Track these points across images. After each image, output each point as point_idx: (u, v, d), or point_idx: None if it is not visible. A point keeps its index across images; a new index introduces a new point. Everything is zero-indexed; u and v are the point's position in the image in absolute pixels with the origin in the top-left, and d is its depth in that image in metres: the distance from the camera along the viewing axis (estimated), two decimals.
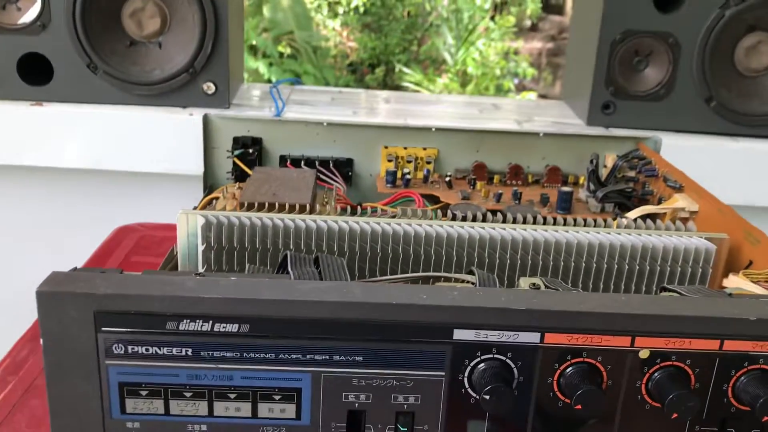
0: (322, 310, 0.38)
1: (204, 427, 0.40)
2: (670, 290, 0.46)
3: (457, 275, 0.48)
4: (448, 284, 0.47)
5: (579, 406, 0.38)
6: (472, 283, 0.45)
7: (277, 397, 0.39)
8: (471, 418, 0.40)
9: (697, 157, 0.92)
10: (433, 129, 0.76)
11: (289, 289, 0.39)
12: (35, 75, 0.91)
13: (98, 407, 0.39)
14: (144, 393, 0.39)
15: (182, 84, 0.92)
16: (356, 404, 0.39)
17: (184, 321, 0.38)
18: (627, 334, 0.38)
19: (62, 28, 0.88)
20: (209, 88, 0.93)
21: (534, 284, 0.43)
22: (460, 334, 0.38)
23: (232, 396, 0.39)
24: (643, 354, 0.39)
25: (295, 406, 0.39)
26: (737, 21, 0.95)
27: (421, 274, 0.49)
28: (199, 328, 0.38)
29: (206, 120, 0.74)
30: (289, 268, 0.44)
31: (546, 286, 0.44)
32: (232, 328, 0.38)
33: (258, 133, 0.74)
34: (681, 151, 0.88)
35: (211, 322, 0.38)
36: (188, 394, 0.39)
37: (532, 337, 0.38)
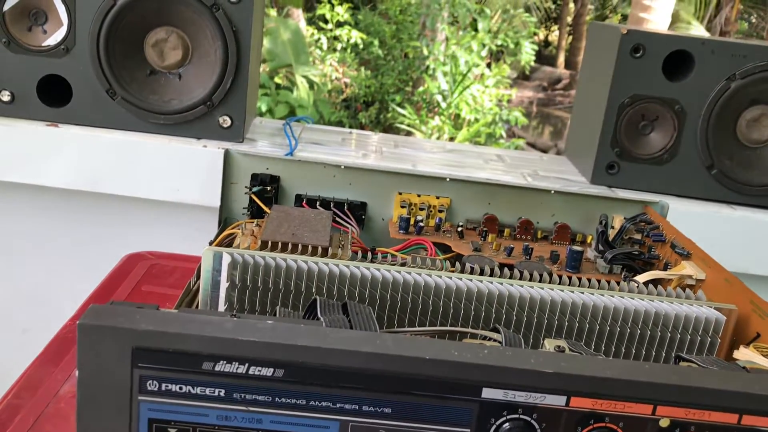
0: (355, 359, 0.38)
1: None
2: (686, 359, 0.47)
3: (483, 332, 0.49)
4: (476, 341, 0.48)
5: None
6: (498, 341, 0.46)
7: None
8: None
9: (699, 222, 0.95)
10: (448, 179, 0.77)
11: (324, 337, 0.39)
12: (54, 96, 0.92)
13: None
14: (173, 431, 0.39)
15: (199, 116, 0.93)
16: None
17: (221, 362, 0.38)
18: (649, 402, 0.39)
19: (85, 52, 0.90)
20: (225, 121, 0.94)
21: (559, 347, 0.44)
22: (488, 393, 0.39)
23: None
24: (664, 423, 0.40)
25: None
26: (742, 93, 0.98)
27: (448, 328, 0.50)
28: (234, 370, 0.38)
29: (227, 155, 0.75)
30: (319, 314, 0.45)
31: (570, 350, 0.45)
32: (267, 372, 0.38)
33: (276, 171, 0.75)
34: (686, 216, 0.91)
35: (247, 364, 0.38)
36: None
37: (559, 400, 0.39)
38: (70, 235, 0.98)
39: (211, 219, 0.81)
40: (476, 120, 5.05)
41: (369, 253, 0.66)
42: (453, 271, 0.59)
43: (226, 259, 0.53)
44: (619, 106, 0.99)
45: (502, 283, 0.56)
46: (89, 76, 0.91)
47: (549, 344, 0.45)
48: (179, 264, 0.78)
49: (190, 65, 0.94)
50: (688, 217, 0.95)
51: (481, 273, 0.58)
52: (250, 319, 0.41)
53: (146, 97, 0.93)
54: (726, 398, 0.40)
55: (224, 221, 0.76)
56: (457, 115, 5.14)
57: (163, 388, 0.38)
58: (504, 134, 5.25)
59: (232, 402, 0.39)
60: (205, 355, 0.38)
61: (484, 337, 0.48)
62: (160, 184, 0.90)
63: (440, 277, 0.55)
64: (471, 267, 0.60)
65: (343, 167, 0.76)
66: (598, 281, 0.60)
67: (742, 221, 0.97)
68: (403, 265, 0.58)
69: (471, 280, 0.56)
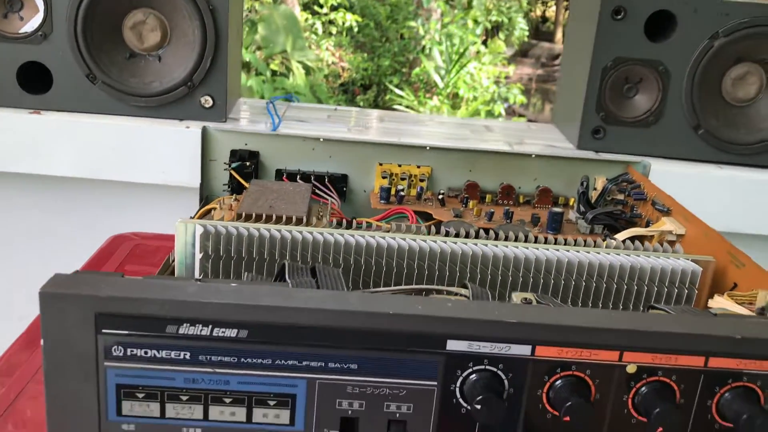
0: (319, 317, 0.39)
1: (199, 431, 0.40)
2: (657, 309, 0.47)
3: (451, 288, 0.49)
4: (442, 296, 0.48)
5: (567, 418, 0.39)
6: (466, 297, 0.46)
7: (271, 403, 0.40)
8: (462, 428, 0.41)
9: (684, 182, 0.94)
10: (428, 148, 0.77)
11: (288, 296, 0.39)
12: (35, 84, 0.92)
13: (95, 409, 0.39)
14: (140, 395, 0.39)
15: (180, 97, 0.93)
16: (349, 411, 0.40)
17: (184, 325, 0.38)
18: (615, 348, 0.39)
19: (63, 38, 0.90)
20: (207, 101, 0.94)
21: (526, 299, 0.44)
22: (453, 345, 0.39)
23: (228, 400, 0.40)
24: (631, 369, 0.40)
25: (289, 412, 0.40)
26: (725, 52, 0.97)
27: (416, 286, 0.50)
28: (198, 333, 0.38)
29: (205, 132, 0.75)
30: (287, 277, 0.45)
31: (537, 302, 0.45)
32: (231, 333, 0.38)
33: (255, 147, 0.75)
34: (669, 176, 0.90)
35: (210, 326, 0.38)
36: (184, 398, 0.39)
37: (524, 350, 0.39)
38: (57, 221, 0.98)
39: (197, 199, 0.81)
40: (474, 98, 5.02)
41: (350, 223, 0.66)
42: (436, 236, 0.58)
43: (198, 230, 0.53)
44: (603, 69, 0.99)
45: (477, 244, 0.56)
46: (68, 62, 0.91)
47: (516, 297, 0.45)
48: (163, 243, 0.78)
49: (169, 46, 0.94)
50: (674, 177, 0.94)
51: (458, 235, 0.58)
52: (214, 282, 0.41)
53: (126, 80, 0.93)
54: (691, 342, 0.40)
55: (205, 199, 0.76)
56: (456, 95, 5.12)
57: (129, 353, 0.39)
58: (503, 112, 5.23)
59: (198, 364, 0.39)
60: (168, 319, 0.38)
61: (454, 294, 0.48)
62: (144, 167, 0.90)
63: (414, 240, 0.55)
64: (446, 231, 0.60)
65: (322, 140, 0.76)
66: (575, 240, 0.60)
67: (729, 180, 0.97)
68: (386, 233, 0.58)
69: (445, 243, 0.56)
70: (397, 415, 0.40)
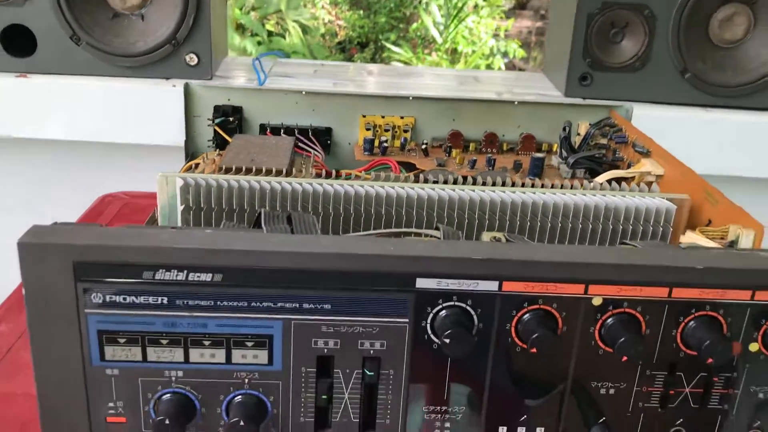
0: (292, 260, 0.40)
1: (180, 373, 0.42)
2: (627, 245, 0.48)
3: (424, 230, 0.50)
4: (412, 238, 0.49)
5: (534, 350, 0.40)
6: (437, 238, 0.47)
7: (249, 344, 0.41)
8: (434, 363, 0.42)
9: (670, 126, 0.95)
10: (410, 98, 0.78)
11: (261, 240, 0.41)
12: (19, 47, 0.92)
13: (78, 355, 0.41)
14: (122, 341, 0.41)
15: (165, 55, 0.93)
16: (325, 350, 0.42)
17: (160, 271, 0.39)
18: (581, 282, 0.41)
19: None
20: (192, 59, 0.94)
21: (495, 237, 0.45)
22: (422, 283, 0.40)
23: (207, 343, 0.41)
24: (596, 301, 0.41)
25: (267, 352, 0.41)
26: None
27: (388, 230, 0.51)
28: (174, 278, 0.39)
29: (187, 89, 0.75)
30: (263, 224, 0.46)
31: (507, 240, 0.46)
32: (206, 277, 0.40)
33: (238, 102, 0.76)
34: (656, 121, 0.91)
35: (185, 271, 0.39)
36: (164, 342, 0.41)
37: (491, 286, 0.40)
38: (46, 184, 0.99)
39: (184, 157, 0.81)
40: (473, 52, 4.98)
41: (330, 174, 0.67)
42: (408, 181, 0.59)
43: (179, 183, 0.54)
44: (588, 15, 0.98)
45: (454, 190, 0.57)
46: (52, 24, 0.91)
47: (486, 236, 0.46)
48: (152, 202, 0.78)
49: (152, 5, 0.93)
50: (660, 122, 0.94)
51: (437, 182, 0.59)
52: (189, 230, 0.42)
53: (111, 40, 0.93)
54: (655, 273, 0.41)
55: (191, 155, 0.77)
56: (455, 50, 5.07)
57: (107, 299, 0.40)
58: (503, 67, 5.19)
59: (176, 309, 0.40)
60: (144, 265, 0.39)
61: (427, 236, 0.49)
62: (131, 127, 0.91)
63: (393, 188, 0.56)
64: (426, 178, 0.60)
65: (305, 93, 0.77)
66: (553, 184, 0.60)
67: (716, 123, 0.97)
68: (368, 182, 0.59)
69: (423, 189, 0.56)
70: (371, 352, 0.42)
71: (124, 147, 0.95)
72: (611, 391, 0.43)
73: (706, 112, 0.98)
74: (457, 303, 0.41)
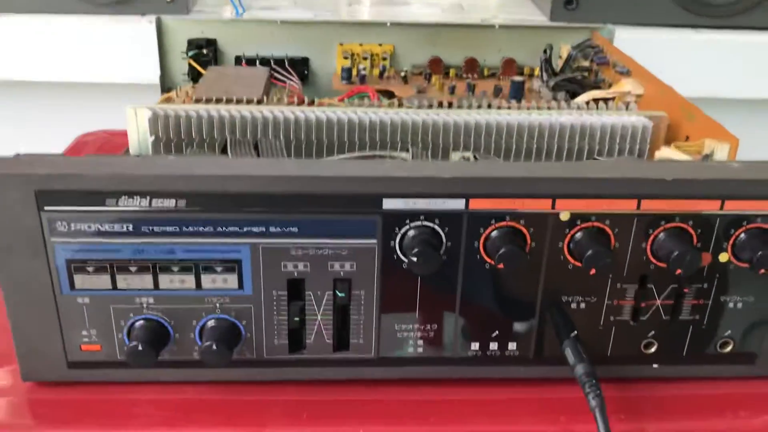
0: (255, 183, 0.39)
1: (151, 300, 0.42)
2: (596, 160, 0.47)
3: (393, 153, 0.49)
4: (379, 159, 0.49)
5: (501, 265, 0.40)
6: (406, 159, 0.46)
7: (218, 269, 0.41)
8: (404, 282, 0.42)
9: (656, 49, 0.93)
10: (388, 24, 0.76)
11: (224, 165, 0.40)
12: None
13: (49, 284, 0.41)
14: (91, 269, 0.41)
15: None
16: (295, 273, 0.42)
17: (123, 198, 0.39)
18: (547, 197, 0.40)
19: None
20: None
21: (464, 157, 0.45)
22: (389, 203, 0.40)
23: (176, 269, 0.41)
24: (564, 216, 0.41)
25: (236, 277, 0.41)
26: None
27: (357, 153, 0.51)
28: (137, 205, 0.39)
29: (159, 23, 0.73)
30: (229, 151, 0.45)
31: (477, 159, 0.46)
32: (170, 203, 0.39)
33: (212, 35, 0.74)
34: (639, 42, 0.88)
35: (148, 198, 0.39)
36: (133, 269, 0.41)
37: (458, 204, 0.40)
38: (24, 127, 0.98)
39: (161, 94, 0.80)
40: None
41: (305, 103, 0.66)
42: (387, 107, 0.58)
43: (147, 114, 0.53)
44: None
45: (428, 114, 0.56)
46: None
47: (455, 156, 0.45)
48: None
49: None
50: (648, 44, 0.93)
51: (410, 107, 0.58)
52: (152, 157, 0.42)
53: None
54: (623, 186, 0.40)
55: (167, 91, 0.76)
56: None
57: (72, 228, 0.40)
58: None
59: (141, 235, 0.40)
60: (107, 193, 0.39)
61: (396, 158, 0.48)
62: (108, 66, 0.89)
63: (366, 113, 0.55)
64: (403, 103, 0.60)
65: (280, 23, 0.75)
66: (529, 106, 0.60)
67: (706, 44, 0.95)
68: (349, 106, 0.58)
69: (397, 114, 0.56)
70: (341, 273, 0.42)
71: (103, 87, 0.93)
72: (582, 306, 0.44)
73: (696, 33, 0.96)
74: (424, 222, 0.41)
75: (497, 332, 0.44)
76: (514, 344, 0.45)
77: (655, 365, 0.46)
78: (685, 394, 0.46)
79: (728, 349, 0.45)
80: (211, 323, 0.43)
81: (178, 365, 0.44)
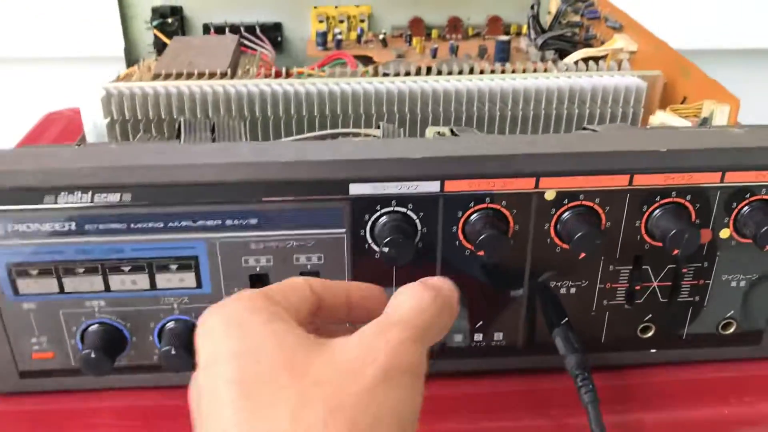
0: (207, 173, 0.36)
1: (103, 303, 0.38)
2: (586, 130, 0.43)
3: (362, 130, 0.45)
4: (344, 139, 0.45)
5: (482, 252, 0.36)
6: (376, 137, 0.42)
7: (173, 267, 0.38)
8: (379, 273, 0.39)
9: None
10: None
11: (172, 153, 0.36)
12: None
13: None
14: (34, 272, 0.37)
15: None
16: (257, 268, 0.38)
17: (62, 194, 0.35)
18: (530, 175, 0.37)
19: None
20: None
21: (439, 132, 0.41)
22: (356, 189, 0.36)
23: (126, 269, 0.38)
24: (549, 195, 0.37)
25: (194, 275, 0.38)
26: None
27: (322, 132, 0.47)
28: (79, 200, 0.36)
29: None
30: (182, 134, 0.42)
31: (454, 134, 0.42)
32: (114, 198, 0.36)
33: (178, 2, 0.70)
34: None
35: (90, 192, 0.35)
36: (80, 270, 0.37)
37: (432, 186, 0.37)
38: None
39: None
40: None
41: (278, 74, 0.62)
42: (363, 76, 0.54)
43: (100, 94, 0.49)
44: None
45: (405, 82, 0.52)
46: None
47: (429, 132, 0.41)
48: None
49: None
50: None
51: (387, 75, 0.54)
52: (94, 146, 0.38)
53: None
54: (612, 160, 0.37)
55: (133, 64, 0.71)
56: None
57: (11, 229, 0.36)
58: None
59: (86, 234, 0.36)
60: (45, 189, 0.35)
61: (364, 136, 0.44)
62: (71, 40, 0.85)
63: (338, 84, 0.51)
64: (380, 71, 0.55)
65: None
66: (513, 69, 0.56)
67: None
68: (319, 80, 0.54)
69: (371, 83, 0.51)
70: (309, 266, 0.38)
71: (69, 62, 0.89)
72: (572, 290, 0.40)
73: None
74: (396, 208, 0.37)
75: (482, 322, 0.41)
76: (501, 334, 0.41)
77: (652, 350, 0.43)
78: (685, 379, 0.43)
79: (731, 330, 0.42)
80: (170, 325, 0.39)
81: (138, 370, 0.41)
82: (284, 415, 0.23)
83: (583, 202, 0.37)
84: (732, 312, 0.42)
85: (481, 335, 0.41)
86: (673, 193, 0.38)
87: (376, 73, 0.56)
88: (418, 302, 0.27)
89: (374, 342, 0.25)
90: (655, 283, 0.40)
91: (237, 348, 0.25)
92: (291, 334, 0.25)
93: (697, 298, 0.41)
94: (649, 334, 0.42)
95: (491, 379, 0.42)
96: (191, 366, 0.38)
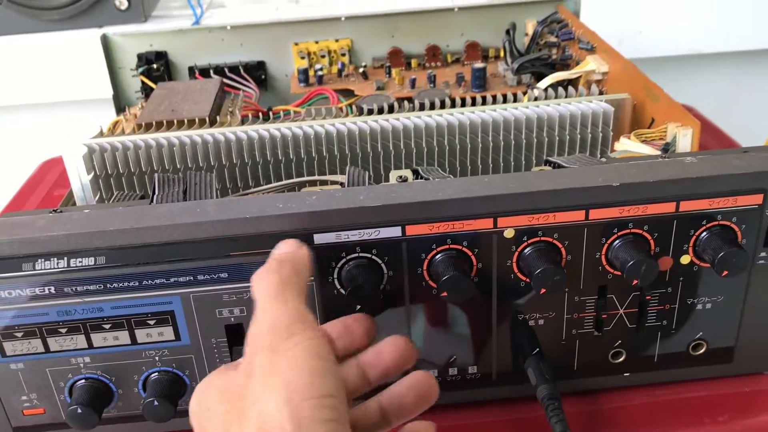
0: (174, 233, 0.37)
1: (87, 359, 0.40)
2: (551, 162, 0.44)
3: (329, 177, 0.47)
4: (311, 189, 0.46)
5: (445, 293, 0.38)
6: (342, 184, 0.44)
7: (151, 322, 0.39)
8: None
9: (623, 11, 0.89)
10: (343, 18, 0.73)
11: (141, 216, 0.38)
12: None
13: None
14: (19, 335, 0.39)
15: (92, 3, 0.88)
16: (232, 318, 0.40)
17: (39, 261, 0.37)
18: (488, 216, 0.38)
19: None
20: (121, 3, 0.89)
21: (401, 177, 0.42)
22: (321, 238, 0.38)
23: (107, 326, 0.39)
24: (508, 233, 0.38)
25: (171, 329, 0.40)
26: None
27: (290, 181, 0.48)
28: (56, 266, 0.37)
29: (105, 40, 0.71)
30: (155, 191, 0.43)
31: (421, 176, 0.43)
32: (89, 261, 0.37)
33: (161, 47, 0.72)
34: (603, 8, 0.85)
35: (66, 258, 0.37)
36: (63, 330, 0.39)
37: (394, 232, 0.38)
38: None
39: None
40: None
41: (266, 114, 0.63)
42: (351, 117, 0.56)
43: (81, 151, 0.51)
44: None
45: (376, 121, 0.53)
46: None
47: (393, 176, 0.43)
48: None
49: None
50: (607, 8, 0.88)
51: (372, 112, 0.56)
52: (69, 211, 0.40)
53: None
54: (567, 197, 0.38)
55: (123, 110, 0.73)
56: None
57: None
58: None
59: (66, 296, 0.38)
60: (22, 257, 0.37)
61: (330, 183, 0.46)
62: (63, 84, 0.87)
63: (312, 127, 0.53)
64: (360, 108, 0.57)
65: (229, 27, 0.72)
66: (494, 97, 0.57)
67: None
68: (302, 120, 0.55)
69: (344, 124, 0.53)
70: None
71: (63, 106, 0.91)
72: (541, 322, 0.41)
73: None
74: (361, 254, 0.38)
75: (455, 357, 0.42)
76: (475, 368, 0.42)
77: (626, 374, 0.43)
78: (660, 401, 0.43)
79: (702, 350, 0.43)
80: (153, 376, 0.41)
81: (127, 420, 0.42)
82: None
83: (542, 238, 0.39)
84: (701, 333, 0.43)
85: (455, 369, 0.42)
86: (630, 225, 0.39)
87: (355, 110, 0.57)
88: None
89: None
90: (621, 311, 0.41)
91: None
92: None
93: (664, 322, 0.42)
94: (621, 359, 0.43)
95: (468, 410, 0.43)
96: (174, 414, 0.40)
